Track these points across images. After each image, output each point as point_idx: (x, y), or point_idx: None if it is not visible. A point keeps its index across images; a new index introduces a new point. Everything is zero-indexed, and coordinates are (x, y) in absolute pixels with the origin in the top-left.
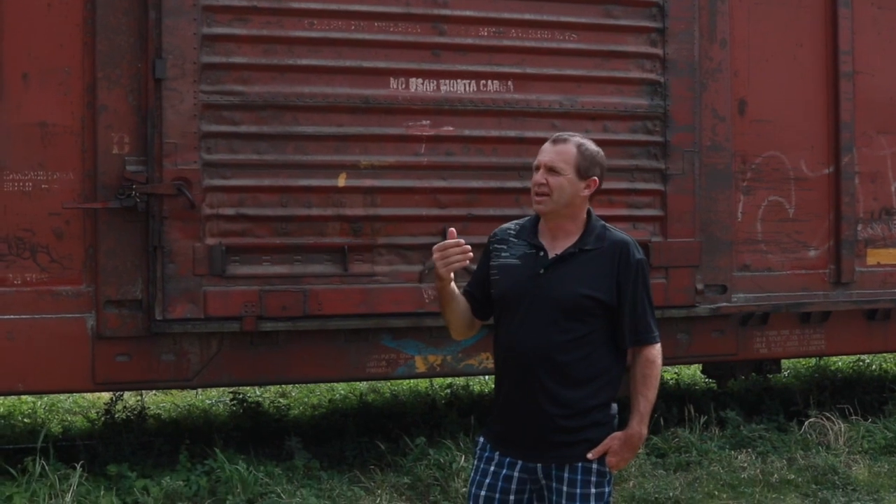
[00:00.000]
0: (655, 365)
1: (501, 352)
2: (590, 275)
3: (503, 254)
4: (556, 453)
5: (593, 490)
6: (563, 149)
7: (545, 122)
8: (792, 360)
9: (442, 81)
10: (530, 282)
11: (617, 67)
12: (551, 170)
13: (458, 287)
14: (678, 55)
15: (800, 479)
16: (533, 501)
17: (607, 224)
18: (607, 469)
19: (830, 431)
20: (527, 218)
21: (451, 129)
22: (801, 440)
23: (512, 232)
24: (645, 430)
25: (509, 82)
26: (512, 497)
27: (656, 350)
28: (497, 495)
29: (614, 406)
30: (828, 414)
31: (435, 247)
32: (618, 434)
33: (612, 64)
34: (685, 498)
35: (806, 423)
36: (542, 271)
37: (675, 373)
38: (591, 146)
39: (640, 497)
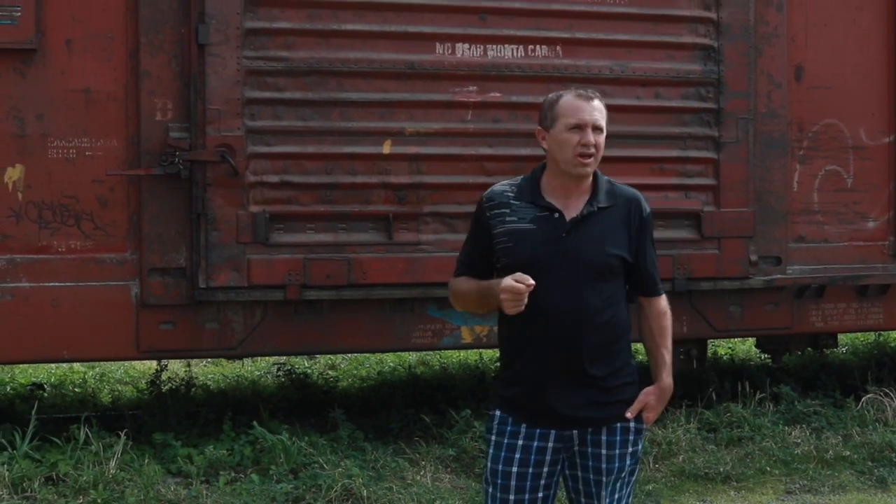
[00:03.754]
0: (668, 315)
1: (529, 320)
2: (611, 233)
3: (508, 219)
4: (596, 416)
5: (630, 449)
6: (600, 105)
7: (595, 89)
8: (850, 335)
9: (489, 46)
10: (553, 245)
11: (669, 32)
12: (597, 129)
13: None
14: (732, 19)
15: (855, 456)
16: (564, 470)
17: (610, 179)
18: (643, 426)
19: (888, 408)
20: (519, 178)
21: (498, 95)
22: (858, 416)
23: (510, 194)
24: (671, 381)
25: (558, 47)
26: (546, 469)
27: (665, 300)
28: (530, 469)
29: (633, 363)
30: (886, 390)
31: (511, 287)
32: (651, 389)
33: (663, 28)
34: (736, 473)
35: (863, 399)
36: (564, 234)
37: (730, 348)
38: None
39: (690, 471)
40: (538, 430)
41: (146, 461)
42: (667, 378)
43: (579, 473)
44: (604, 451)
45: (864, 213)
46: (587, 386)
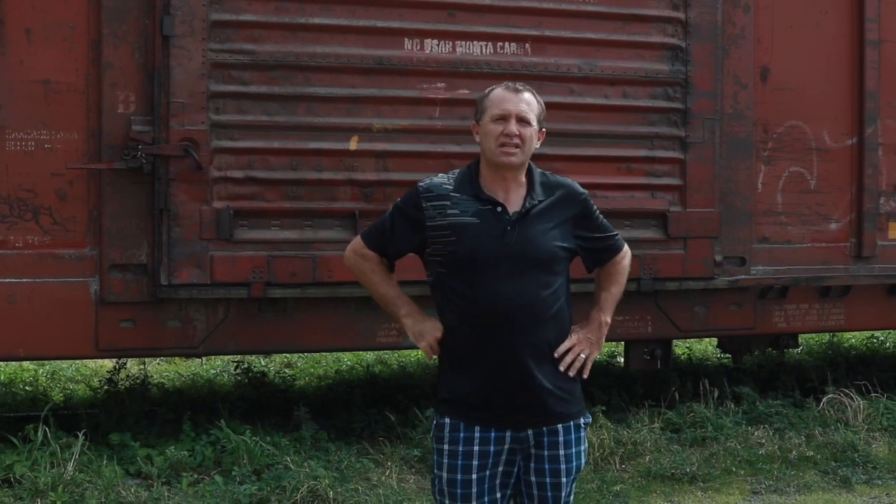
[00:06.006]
0: (623, 265)
1: (479, 318)
2: (554, 224)
3: (449, 211)
4: (550, 414)
5: (584, 446)
6: (529, 98)
7: (563, 87)
8: (804, 336)
9: (458, 43)
10: (499, 240)
11: (637, 31)
12: (523, 120)
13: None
14: (700, 19)
15: (818, 456)
16: (520, 475)
17: (543, 170)
18: (589, 419)
19: (849, 408)
20: (456, 171)
21: (466, 92)
22: (819, 416)
23: (449, 187)
24: (605, 317)
25: (527, 45)
26: (501, 469)
27: (624, 251)
28: (488, 472)
29: None
30: (845, 390)
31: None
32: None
33: (632, 27)
34: (702, 474)
35: (824, 399)
36: (508, 228)
37: (687, 347)
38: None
39: (657, 472)
40: (493, 433)
41: (104, 462)
42: (597, 314)
43: (534, 479)
44: (561, 452)
45: (826, 214)
46: (539, 383)
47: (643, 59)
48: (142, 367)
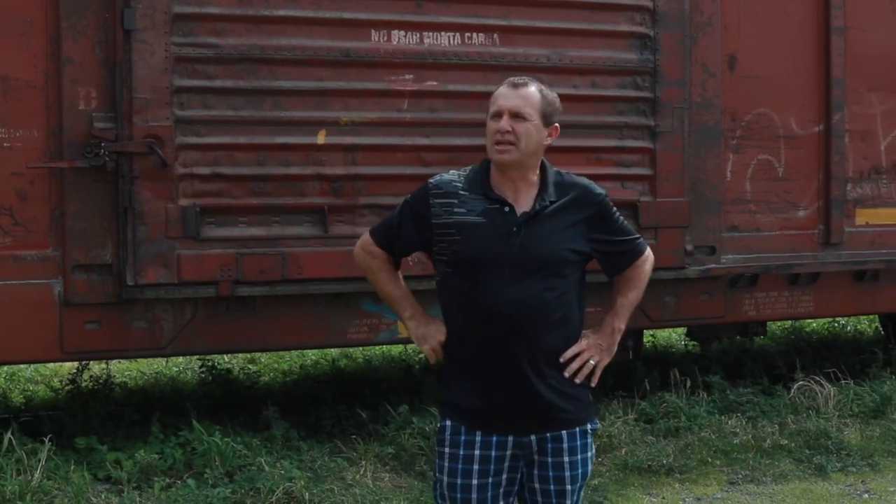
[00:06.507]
0: (643, 270)
1: (480, 320)
2: (565, 227)
3: (456, 209)
4: (555, 420)
5: (590, 453)
6: (527, 93)
7: (532, 77)
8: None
9: (425, 34)
10: (504, 241)
11: (606, 20)
12: (517, 116)
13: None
14: (668, 7)
15: (792, 445)
16: (524, 482)
17: (559, 170)
18: (597, 425)
19: (820, 395)
20: (469, 168)
21: (434, 83)
22: (790, 404)
23: (459, 185)
24: (619, 323)
25: (495, 35)
26: (505, 476)
27: (645, 255)
28: (490, 479)
29: None
30: (815, 377)
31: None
32: (594, 331)
33: (600, 16)
34: (679, 465)
35: (794, 386)
36: (515, 229)
37: (652, 335)
38: (550, 91)
39: (633, 465)
40: (495, 438)
41: (72, 467)
42: (611, 319)
43: (537, 486)
44: (566, 459)
45: (794, 202)
46: (541, 388)
47: (612, 49)
48: (104, 366)
